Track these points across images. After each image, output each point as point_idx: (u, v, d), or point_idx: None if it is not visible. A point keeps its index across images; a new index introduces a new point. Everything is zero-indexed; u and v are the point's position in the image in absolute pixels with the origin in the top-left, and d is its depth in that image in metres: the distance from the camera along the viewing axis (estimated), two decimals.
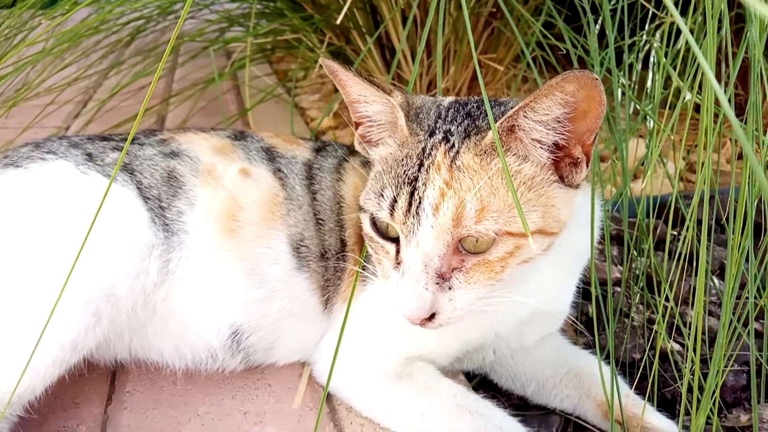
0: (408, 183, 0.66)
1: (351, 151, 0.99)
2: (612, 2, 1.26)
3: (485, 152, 0.65)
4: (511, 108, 0.70)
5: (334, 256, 0.87)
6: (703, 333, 1.06)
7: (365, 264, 0.78)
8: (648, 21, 1.51)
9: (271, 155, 0.93)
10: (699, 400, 0.73)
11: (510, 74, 1.93)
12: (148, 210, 0.81)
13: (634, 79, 1.48)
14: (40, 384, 0.72)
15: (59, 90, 1.74)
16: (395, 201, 0.66)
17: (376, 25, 1.88)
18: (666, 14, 1.37)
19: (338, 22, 1.48)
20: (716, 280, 1.19)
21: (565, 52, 1.26)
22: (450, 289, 0.64)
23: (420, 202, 0.64)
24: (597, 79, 0.62)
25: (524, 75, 1.93)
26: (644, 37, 1.50)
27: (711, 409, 0.78)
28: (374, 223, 0.70)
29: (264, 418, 0.81)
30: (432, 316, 0.65)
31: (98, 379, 0.85)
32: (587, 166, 0.68)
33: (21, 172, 0.83)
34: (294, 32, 1.89)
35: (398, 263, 0.67)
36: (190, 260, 0.81)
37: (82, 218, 0.76)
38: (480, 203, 0.63)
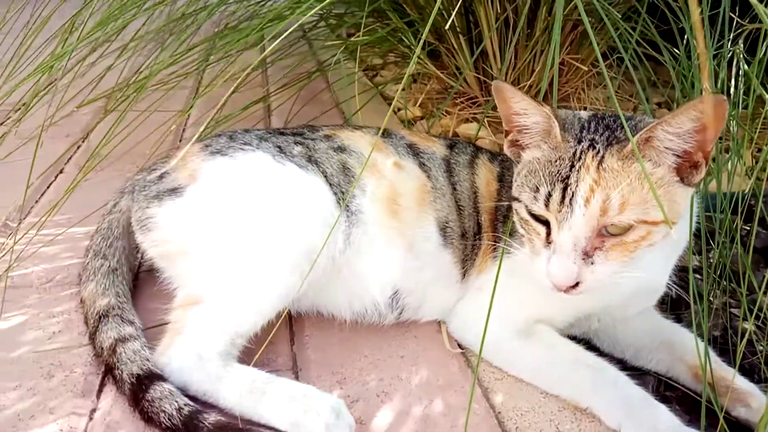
0: (561, 180, 0.83)
1: (477, 148, 1.18)
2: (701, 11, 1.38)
3: (626, 158, 0.82)
4: (639, 122, 0.87)
5: (472, 236, 1.06)
6: None
7: (504, 238, 0.96)
8: (733, 29, 1.62)
9: (414, 151, 1.13)
10: None
11: (591, 73, 2.06)
12: (333, 193, 1.02)
13: (718, 86, 1.60)
14: (260, 324, 0.94)
15: (173, 77, 1.93)
16: (550, 195, 0.84)
17: (468, 24, 2.04)
18: (757, 21, 1.48)
19: (446, 27, 1.65)
20: None
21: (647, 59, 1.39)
22: (592, 263, 0.83)
23: (573, 196, 0.82)
24: (725, 100, 0.78)
25: (599, 72, 2.06)
26: (729, 45, 1.61)
27: None
28: (528, 209, 0.88)
29: (417, 362, 1.02)
30: (575, 285, 0.83)
31: (281, 325, 1.08)
32: (705, 168, 0.85)
33: (228, 159, 1.05)
34: (392, 30, 2.06)
35: (549, 242, 0.86)
36: (365, 234, 1.02)
37: (288, 198, 0.99)
38: (622, 198, 0.80)
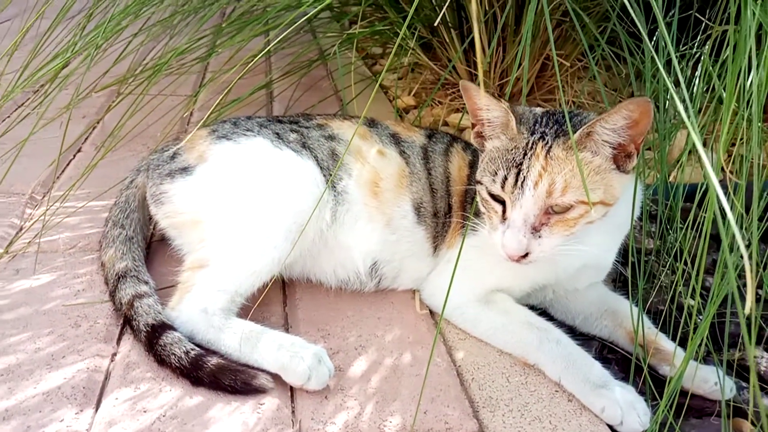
0: (515, 166, 0.98)
1: (453, 138, 1.33)
2: (670, 15, 1.51)
3: (570, 148, 0.97)
4: (585, 117, 1.02)
5: (443, 216, 1.21)
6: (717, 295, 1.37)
7: (470, 218, 1.11)
8: (701, 32, 1.74)
9: (396, 139, 1.28)
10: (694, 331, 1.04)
11: (574, 68, 2.19)
12: (323, 176, 1.17)
13: (683, 85, 1.73)
14: (257, 285, 1.10)
15: (184, 65, 2.06)
16: (506, 178, 0.98)
17: (460, 20, 2.17)
18: (717, 24, 1.62)
19: (436, 23, 1.78)
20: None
21: (623, 56, 1.53)
22: (540, 237, 0.98)
23: (525, 180, 0.96)
24: (650, 102, 0.92)
25: (584, 66, 2.20)
26: (695, 47, 1.73)
27: (709, 344, 1.09)
28: (488, 191, 1.02)
29: (391, 322, 1.18)
30: (525, 255, 0.98)
31: (274, 289, 1.23)
32: (636, 157, 0.99)
33: (233, 144, 1.20)
34: (389, 23, 2.19)
35: (504, 219, 1.00)
36: (349, 212, 1.17)
37: (284, 178, 1.14)
38: (565, 182, 0.95)
